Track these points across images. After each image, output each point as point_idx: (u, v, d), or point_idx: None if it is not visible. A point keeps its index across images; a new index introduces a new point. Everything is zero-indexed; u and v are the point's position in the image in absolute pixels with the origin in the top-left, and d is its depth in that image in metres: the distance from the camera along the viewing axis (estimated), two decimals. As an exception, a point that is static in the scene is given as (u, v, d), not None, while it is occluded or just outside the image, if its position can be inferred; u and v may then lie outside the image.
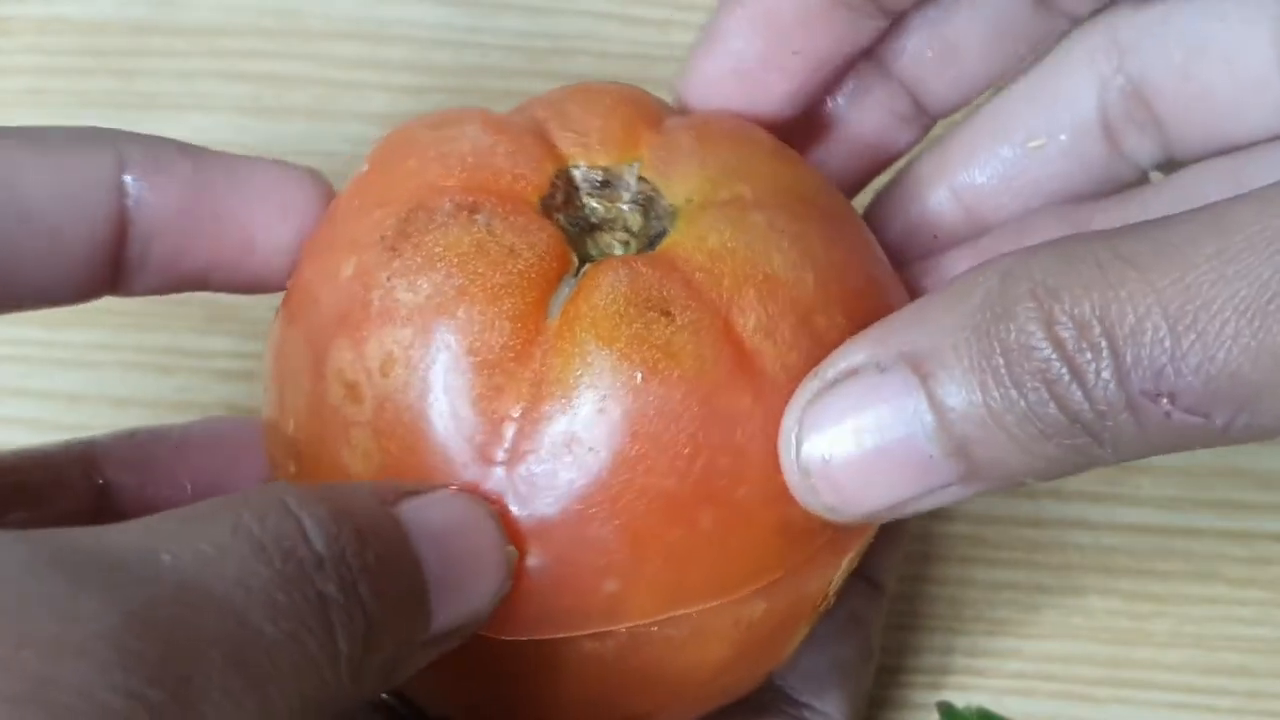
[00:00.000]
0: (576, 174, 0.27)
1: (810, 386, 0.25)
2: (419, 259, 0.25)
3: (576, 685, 0.26)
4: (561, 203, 0.27)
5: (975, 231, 0.32)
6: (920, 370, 0.24)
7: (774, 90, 0.29)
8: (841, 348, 0.25)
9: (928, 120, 0.32)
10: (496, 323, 0.25)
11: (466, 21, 0.41)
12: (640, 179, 0.27)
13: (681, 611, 0.25)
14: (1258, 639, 0.35)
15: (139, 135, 0.28)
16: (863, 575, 0.32)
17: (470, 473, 0.25)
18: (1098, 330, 0.23)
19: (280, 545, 0.21)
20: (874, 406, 0.24)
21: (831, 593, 0.28)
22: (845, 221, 0.28)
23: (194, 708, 0.19)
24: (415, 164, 0.27)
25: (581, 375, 0.25)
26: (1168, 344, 0.22)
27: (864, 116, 0.31)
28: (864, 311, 0.26)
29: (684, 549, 0.25)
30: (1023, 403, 0.23)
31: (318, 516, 0.22)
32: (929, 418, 0.24)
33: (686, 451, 0.25)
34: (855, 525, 0.26)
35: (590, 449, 0.24)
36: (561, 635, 0.25)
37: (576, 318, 0.25)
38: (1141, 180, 0.32)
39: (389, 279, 0.25)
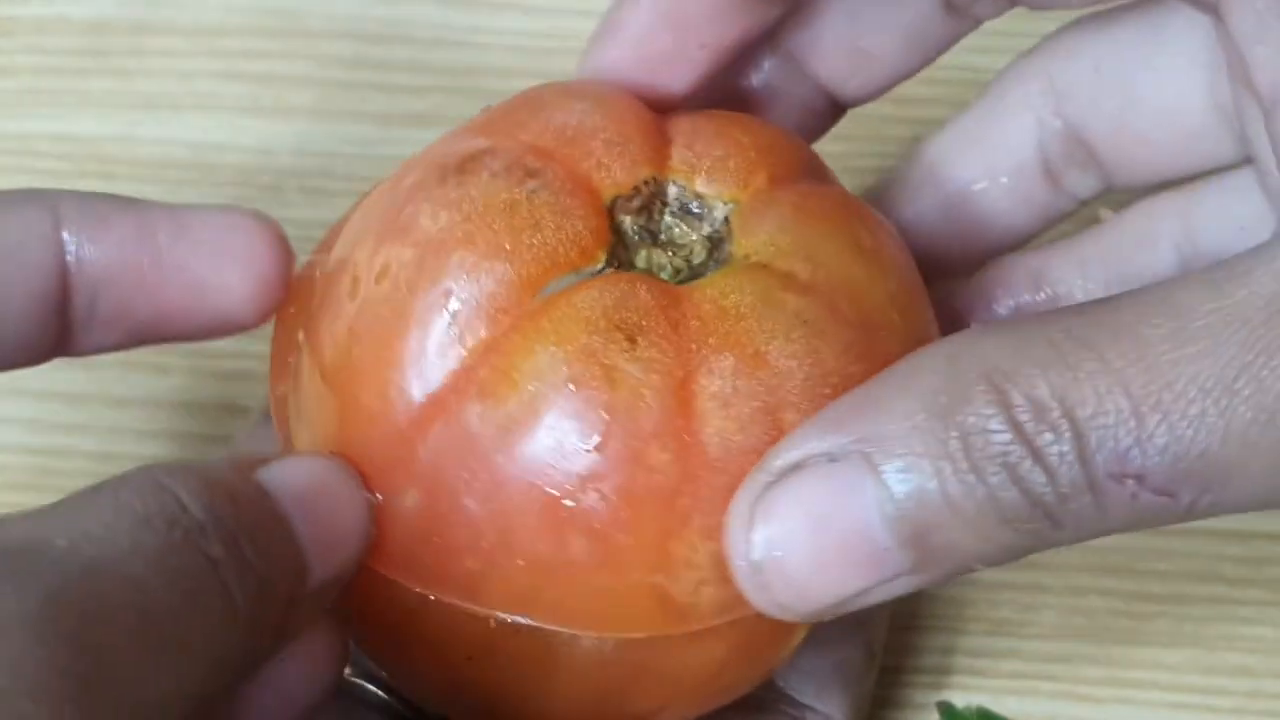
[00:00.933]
0: (671, 190, 0.27)
1: (758, 480, 0.24)
2: (454, 194, 0.26)
3: (577, 681, 0.26)
4: (637, 207, 0.27)
5: (922, 269, 0.32)
6: (873, 458, 0.23)
7: (676, 78, 0.29)
8: (788, 437, 0.24)
9: (840, 112, 0.32)
10: (482, 279, 0.25)
11: (466, 21, 0.41)
12: (725, 220, 0.27)
13: (536, 623, 0.25)
14: (1258, 639, 0.35)
15: (77, 193, 0.28)
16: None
17: (401, 400, 0.25)
18: (1058, 412, 0.23)
19: (163, 515, 0.22)
20: (826, 497, 0.24)
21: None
22: (896, 341, 0.26)
23: (116, 673, 0.20)
24: (524, 116, 0.27)
25: (524, 360, 0.25)
26: (1133, 425, 0.22)
27: (776, 105, 0.31)
28: None
29: (547, 564, 0.25)
30: (982, 488, 0.23)
31: (190, 487, 0.23)
32: (885, 506, 0.23)
33: (580, 474, 0.24)
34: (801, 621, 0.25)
35: (498, 429, 0.25)
36: (422, 591, 0.26)
37: (551, 307, 0.25)
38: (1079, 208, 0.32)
39: (424, 201, 0.26)
